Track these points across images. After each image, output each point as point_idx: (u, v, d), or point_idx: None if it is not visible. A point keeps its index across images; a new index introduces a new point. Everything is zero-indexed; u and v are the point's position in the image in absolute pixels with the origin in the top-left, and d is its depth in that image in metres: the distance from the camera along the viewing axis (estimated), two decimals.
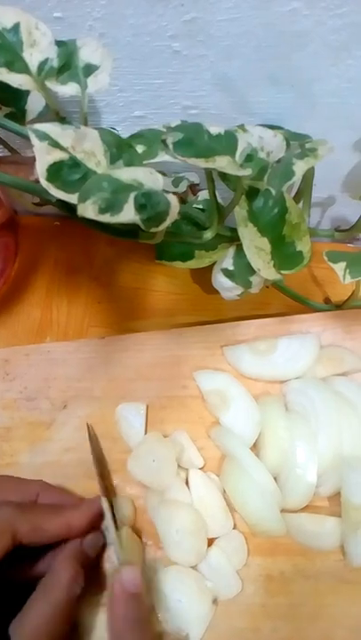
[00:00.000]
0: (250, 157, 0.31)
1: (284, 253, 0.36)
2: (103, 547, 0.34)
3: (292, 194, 0.39)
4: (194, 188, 0.42)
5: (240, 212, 0.34)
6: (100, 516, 0.33)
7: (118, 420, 0.39)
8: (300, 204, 0.38)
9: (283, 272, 0.36)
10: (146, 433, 0.38)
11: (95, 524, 0.33)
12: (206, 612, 0.32)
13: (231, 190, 0.36)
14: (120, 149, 0.27)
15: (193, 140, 0.28)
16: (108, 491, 0.36)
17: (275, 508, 0.33)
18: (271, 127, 0.35)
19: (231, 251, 0.38)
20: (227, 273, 0.38)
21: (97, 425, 0.39)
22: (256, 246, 0.35)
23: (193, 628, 0.32)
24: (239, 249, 0.36)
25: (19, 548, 0.29)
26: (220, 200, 0.34)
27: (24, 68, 0.29)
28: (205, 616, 0.32)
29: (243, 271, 0.37)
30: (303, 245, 0.36)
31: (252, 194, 0.34)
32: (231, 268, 0.37)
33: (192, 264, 0.40)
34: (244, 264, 0.36)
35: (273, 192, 0.34)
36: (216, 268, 0.39)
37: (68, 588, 0.29)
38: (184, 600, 0.32)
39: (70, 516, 0.32)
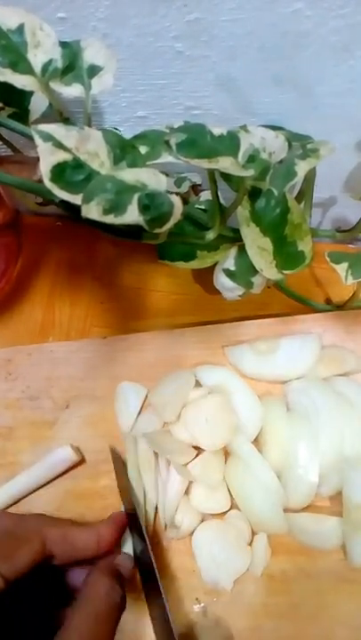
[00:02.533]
0: (252, 158, 0.31)
1: (286, 253, 0.36)
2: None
3: (294, 194, 0.39)
4: (196, 189, 0.42)
5: (242, 212, 0.34)
6: (122, 529, 0.33)
7: (117, 396, 0.39)
8: (302, 205, 0.38)
9: (285, 272, 0.36)
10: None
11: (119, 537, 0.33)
12: (243, 565, 0.33)
13: (233, 191, 0.36)
14: (123, 150, 0.27)
15: (196, 140, 0.28)
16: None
17: (277, 505, 0.34)
18: (273, 128, 0.35)
19: (233, 251, 0.38)
20: (228, 273, 0.38)
21: (99, 424, 0.39)
22: (258, 246, 0.35)
23: (225, 580, 0.33)
24: (241, 249, 0.37)
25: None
26: (222, 200, 0.34)
27: (28, 69, 0.29)
28: (241, 569, 0.33)
29: (244, 272, 0.37)
30: (305, 245, 0.36)
31: (254, 194, 0.35)
32: (233, 268, 0.37)
33: (194, 264, 0.40)
34: (245, 264, 0.36)
35: (275, 192, 0.34)
36: (218, 268, 0.39)
37: (107, 598, 0.28)
38: (223, 553, 0.33)
39: (99, 529, 0.31)
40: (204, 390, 0.37)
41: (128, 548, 0.33)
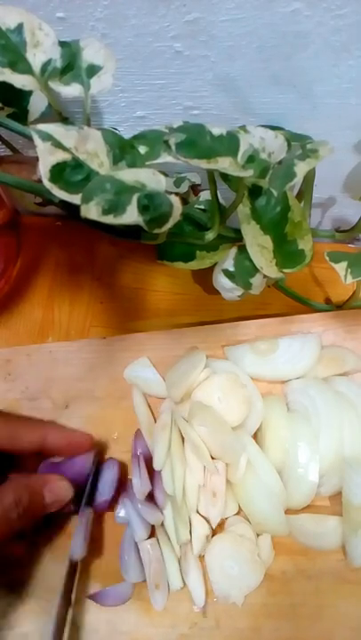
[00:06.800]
0: (252, 158, 0.31)
1: (286, 251, 0.36)
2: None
3: (294, 194, 0.39)
4: (195, 189, 0.42)
5: (243, 209, 0.34)
6: (82, 450, 0.34)
7: (132, 381, 0.40)
8: (301, 205, 0.38)
9: (285, 270, 0.36)
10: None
11: (76, 452, 0.34)
12: (255, 581, 0.33)
13: (232, 190, 0.36)
14: (123, 150, 0.27)
15: (195, 141, 0.28)
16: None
17: (280, 509, 0.34)
18: (272, 128, 0.35)
19: (232, 252, 0.38)
20: (227, 274, 0.38)
21: (98, 425, 0.39)
22: (258, 244, 0.35)
23: (236, 595, 0.33)
24: (241, 250, 0.37)
25: None
26: (221, 200, 0.34)
27: (27, 69, 0.29)
28: (253, 585, 0.33)
29: (243, 272, 0.37)
30: (305, 244, 0.36)
31: (255, 192, 0.35)
32: (232, 269, 0.37)
33: (193, 265, 0.40)
34: (245, 265, 0.36)
35: (275, 193, 0.34)
36: (217, 268, 0.39)
37: (6, 507, 0.29)
38: (236, 567, 0.33)
39: (49, 431, 0.33)
40: (208, 371, 0.38)
41: None
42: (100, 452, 0.37)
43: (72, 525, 0.35)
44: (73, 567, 0.32)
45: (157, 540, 0.34)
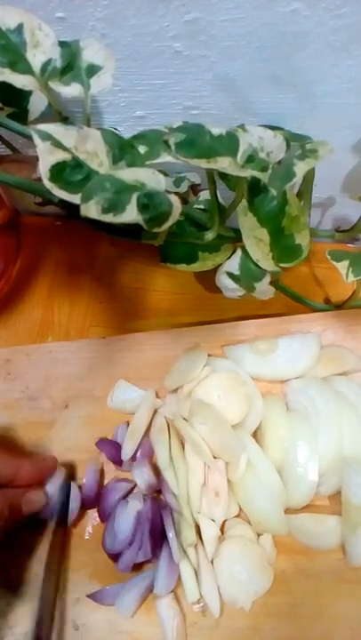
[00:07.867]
0: (251, 158, 0.31)
1: (283, 245, 0.36)
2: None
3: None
4: (195, 189, 0.42)
5: (241, 201, 0.34)
6: (47, 474, 0.35)
7: (120, 408, 0.39)
8: (301, 205, 0.38)
9: (282, 265, 0.36)
10: None
11: (42, 480, 0.34)
12: (263, 586, 0.33)
13: (230, 190, 0.36)
14: (122, 150, 0.27)
15: (195, 140, 0.28)
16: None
17: (280, 508, 0.34)
18: (271, 128, 0.35)
19: (237, 254, 0.37)
20: (232, 277, 0.38)
21: (97, 425, 0.39)
22: (255, 236, 0.35)
23: (244, 599, 0.32)
24: (246, 253, 0.36)
25: None
26: (221, 200, 0.34)
27: (27, 69, 0.29)
28: (261, 590, 0.33)
29: (248, 276, 0.37)
30: (302, 239, 0.36)
31: (253, 187, 0.35)
32: (237, 272, 0.37)
33: (196, 267, 0.40)
34: (250, 269, 0.36)
35: (274, 193, 0.34)
36: (221, 269, 0.39)
37: None
38: (245, 572, 0.33)
39: (23, 463, 0.33)
40: (208, 370, 0.38)
41: None
42: (71, 466, 0.38)
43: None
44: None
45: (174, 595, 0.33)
